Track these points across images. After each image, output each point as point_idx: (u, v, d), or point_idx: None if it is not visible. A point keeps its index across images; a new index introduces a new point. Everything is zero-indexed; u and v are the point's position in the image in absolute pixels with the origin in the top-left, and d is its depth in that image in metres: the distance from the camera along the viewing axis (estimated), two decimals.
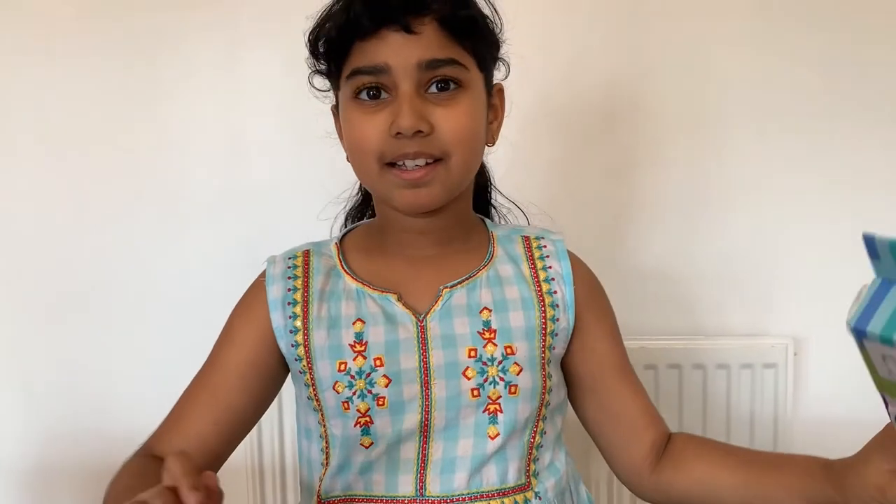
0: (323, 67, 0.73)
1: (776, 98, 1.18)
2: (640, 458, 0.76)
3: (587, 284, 0.78)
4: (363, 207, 0.86)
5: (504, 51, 0.76)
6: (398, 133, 0.66)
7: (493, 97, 0.75)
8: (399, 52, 0.66)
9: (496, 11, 0.73)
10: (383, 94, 0.68)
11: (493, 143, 0.76)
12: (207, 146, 1.21)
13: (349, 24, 0.67)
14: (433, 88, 0.68)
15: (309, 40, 0.72)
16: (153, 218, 1.22)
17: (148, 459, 0.71)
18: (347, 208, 0.87)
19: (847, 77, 1.17)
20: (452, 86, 0.68)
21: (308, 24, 0.72)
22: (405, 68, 0.66)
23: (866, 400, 1.19)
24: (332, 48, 0.70)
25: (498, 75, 0.77)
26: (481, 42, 0.71)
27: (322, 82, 0.76)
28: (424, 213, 0.72)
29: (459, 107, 0.68)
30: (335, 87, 0.73)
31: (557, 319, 0.74)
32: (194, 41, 1.19)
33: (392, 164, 0.69)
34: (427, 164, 0.68)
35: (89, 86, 1.19)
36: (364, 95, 0.68)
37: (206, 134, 1.21)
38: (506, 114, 0.78)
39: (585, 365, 0.77)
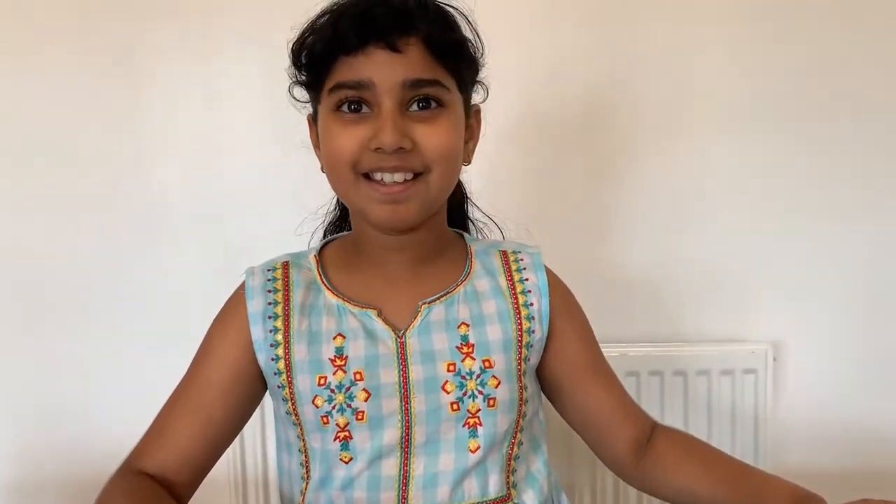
0: (304, 79, 0.73)
1: (753, 104, 1.19)
2: (622, 454, 0.78)
3: (560, 294, 0.80)
4: (341, 223, 0.86)
5: (483, 74, 0.77)
6: (378, 148, 0.67)
7: (471, 118, 0.76)
8: (384, 70, 0.67)
9: (478, 36, 0.74)
10: (364, 109, 0.68)
11: (469, 163, 0.77)
12: (185, 156, 1.20)
13: (335, 39, 0.67)
14: (414, 107, 0.68)
15: (292, 51, 0.72)
16: (131, 228, 1.21)
17: (139, 478, 0.70)
18: (325, 223, 0.87)
19: (822, 83, 1.18)
20: (434, 105, 0.69)
21: (290, 35, 0.72)
22: (389, 86, 0.67)
23: (845, 404, 1.22)
24: (315, 61, 0.70)
25: (476, 97, 0.77)
26: (463, 65, 0.72)
27: (302, 93, 0.75)
28: (400, 231, 0.72)
29: (440, 125, 0.69)
30: (315, 98, 0.73)
31: (533, 331, 0.76)
32: (172, 52, 1.18)
33: (368, 177, 0.69)
34: (406, 180, 0.68)
35: (66, 95, 1.18)
36: (345, 108, 0.69)
37: (184, 144, 1.20)
38: (484, 122, 0.79)
39: (558, 370, 0.79)
